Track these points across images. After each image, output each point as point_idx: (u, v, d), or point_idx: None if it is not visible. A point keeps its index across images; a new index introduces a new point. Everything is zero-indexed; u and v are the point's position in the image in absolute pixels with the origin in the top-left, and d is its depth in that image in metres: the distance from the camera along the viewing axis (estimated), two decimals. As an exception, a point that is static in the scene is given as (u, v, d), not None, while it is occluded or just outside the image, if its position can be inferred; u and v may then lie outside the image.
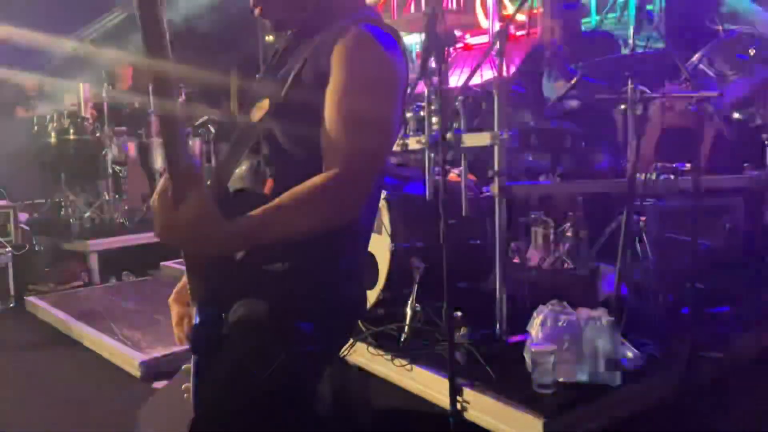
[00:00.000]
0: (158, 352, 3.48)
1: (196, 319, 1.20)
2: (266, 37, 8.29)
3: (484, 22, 7.08)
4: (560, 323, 2.41)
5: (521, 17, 6.00)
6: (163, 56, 0.93)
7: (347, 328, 1.41)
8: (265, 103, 1.27)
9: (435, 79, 2.64)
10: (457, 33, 7.24)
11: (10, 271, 4.91)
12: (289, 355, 1.19)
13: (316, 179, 1.14)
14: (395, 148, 3.09)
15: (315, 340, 1.24)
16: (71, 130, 6.00)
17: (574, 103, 3.69)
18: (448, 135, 2.51)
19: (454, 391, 2.33)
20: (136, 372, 3.34)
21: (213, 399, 1.20)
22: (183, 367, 1.29)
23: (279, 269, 1.22)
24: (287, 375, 1.20)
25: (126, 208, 6.17)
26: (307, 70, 1.25)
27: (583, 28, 4.32)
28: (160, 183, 1.05)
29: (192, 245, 1.07)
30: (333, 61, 1.21)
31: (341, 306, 1.31)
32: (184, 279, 1.39)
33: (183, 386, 1.27)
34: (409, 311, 2.86)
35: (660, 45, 3.38)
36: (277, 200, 1.11)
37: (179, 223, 0.99)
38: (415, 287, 2.89)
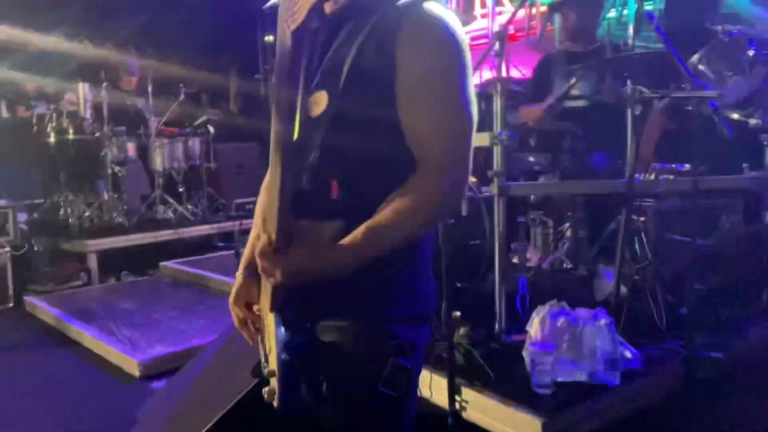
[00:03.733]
0: (157, 351, 3.48)
1: (279, 332, 1.20)
2: (266, 37, 8.31)
3: (482, 22, 7.08)
4: (559, 323, 2.41)
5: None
6: None
7: (430, 323, 1.37)
8: (322, 97, 1.18)
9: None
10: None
11: (9, 270, 4.91)
12: (407, 372, 1.20)
13: (419, 180, 1.13)
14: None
15: (411, 342, 1.23)
16: (71, 130, 6.00)
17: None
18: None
19: (453, 391, 2.33)
20: (135, 372, 3.34)
21: (336, 414, 1.23)
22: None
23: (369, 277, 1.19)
24: (399, 380, 1.20)
25: (125, 208, 6.17)
26: (367, 57, 1.15)
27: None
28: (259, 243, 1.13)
29: (315, 277, 1.13)
30: (403, 48, 1.13)
31: (426, 302, 1.30)
32: (240, 280, 1.39)
33: (264, 390, 1.28)
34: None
35: (659, 46, 3.38)
36: (389, 209, 1.12)
37: (303, 262, 1.09)
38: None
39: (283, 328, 1.20)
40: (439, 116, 1.14)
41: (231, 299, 1.41)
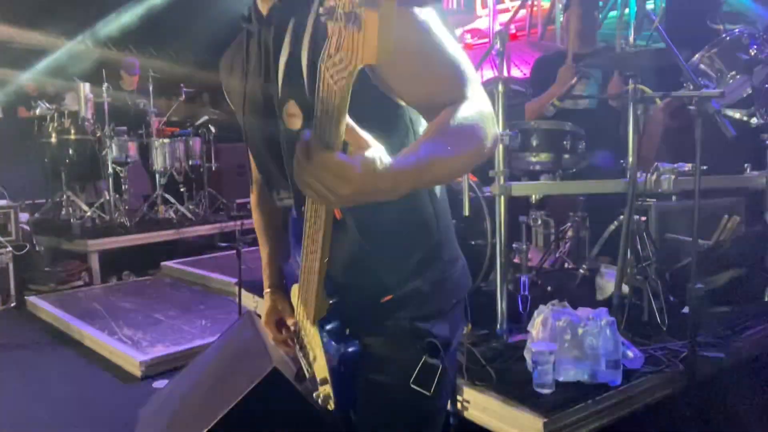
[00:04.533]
0: (158, 351, 3.49)
1: (328, 343, 1.22)
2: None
3: (484, 21, 7.08)
4: (561, 323, 2.41)
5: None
6: None
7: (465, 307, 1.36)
8: (293, 107, 1.10)
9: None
10: (457, 33, 7.26)
11: (11, 270, 4.91)
12: (440, 370, 1.21)
13: (453, 105, 1.00)
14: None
15: (444, 339, 1.24)
16: (72, 130, 6.01)
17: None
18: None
19: (455, 391, 2.33)
20: (137, 371, 3.34)
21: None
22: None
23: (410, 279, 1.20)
24: (430, 378, 1.22)
25: (126, 208, 6.18)
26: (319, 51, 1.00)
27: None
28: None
29: (372, 188, 0.88)
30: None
31: (457, 289, 1.29)
32: (268, 301, 1.44)
33: (316, 395, 1.32)
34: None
35: (661, 45, 3.38)
36: (435, 131, 0.98)
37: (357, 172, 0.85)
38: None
39: (330, 339, 1.23)
40: (437, 64, 1.07)
41: (264, 320, 1.45)
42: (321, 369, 1.28)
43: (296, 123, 1.11)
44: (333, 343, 1.22)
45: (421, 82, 1.08)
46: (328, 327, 1.23)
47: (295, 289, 1.34)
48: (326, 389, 1.28)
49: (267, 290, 1.47)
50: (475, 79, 1.08)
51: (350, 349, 1.22)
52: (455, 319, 1.28)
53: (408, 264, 1.20)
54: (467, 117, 1.00)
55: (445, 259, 1.26)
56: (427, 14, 1.08)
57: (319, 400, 1.31)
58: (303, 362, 1.41)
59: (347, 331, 1.23)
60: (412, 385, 1.19)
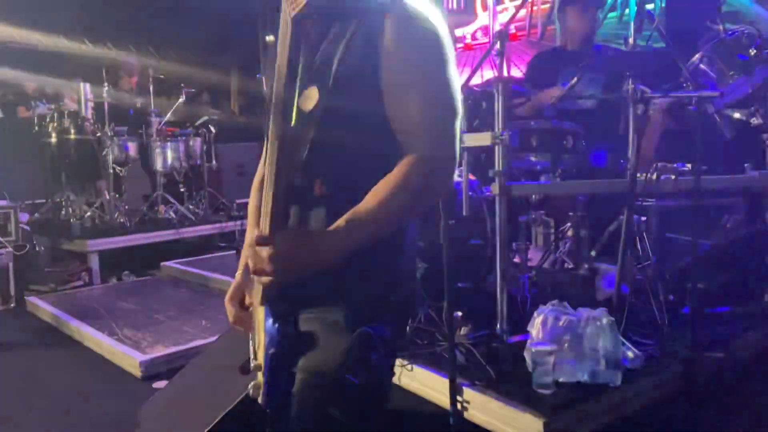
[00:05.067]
0: (158, 352, 3.48)
1: (268, 325, 1.23)
2: (266, 38, 8.32)
3: (484, 20, 7.08)
4: (561, 323, 2.41)
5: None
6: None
7: (406, 323, 1.43)
8: (313, 92, 1.19)
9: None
10: (458, 33, 7.26)
11: (11, 271, 4.91)
12: (372, 361, 1.23)
13: (402, 167, 1.17)
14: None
15: (388, 342, 1.26)
16: (72, 130, 6.00)
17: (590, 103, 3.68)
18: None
19: (455, 391, 2.33)
20: (137, 372, 3.34)
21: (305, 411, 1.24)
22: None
23: (352, 270, 1.21)
24: (375, 379, 1.25)
25: (126, 208, 6.18)
26: (354, 54, 1.20)
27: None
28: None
29: (302, 266, 1.14)
30: (386, 45, 1.18)
31: (403, 292, 1.31)
32: (238, 279, 1.41)
33: (250, 385, 1.29)
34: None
35: (661, 45, 3.38)
36: (372, 196, 1.15)
37: (284, 254, 1.11)
38: (416, 287, 2.88)
39: (271, 320, 1.22)
40: (421, 108, 1.19)
41: (227, 297, 1.43)
42: (261, 355, 1.27)
43: (308, 105, 1.19)
44: (272, 324, 1.22)
45: (402, 111, 1.20)
46: (274, 308, 1.22)
47: None
48: (260, 377, 1.26)
49: (240, 271, 1.44)
50: (446, 131, 1.20)
51: (286, 332, 1.22)
52: (396, 328, 1.30)
53: (369, 251, 1.20)
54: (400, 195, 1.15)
55: (402, 260, 1.29)
56: (434, 51, 1.20)
57: (251, 391, 1.29)
58: (252, 350, 1.39)
59: (292, 318, 1.23)
60: (346, 375, 1.20)
